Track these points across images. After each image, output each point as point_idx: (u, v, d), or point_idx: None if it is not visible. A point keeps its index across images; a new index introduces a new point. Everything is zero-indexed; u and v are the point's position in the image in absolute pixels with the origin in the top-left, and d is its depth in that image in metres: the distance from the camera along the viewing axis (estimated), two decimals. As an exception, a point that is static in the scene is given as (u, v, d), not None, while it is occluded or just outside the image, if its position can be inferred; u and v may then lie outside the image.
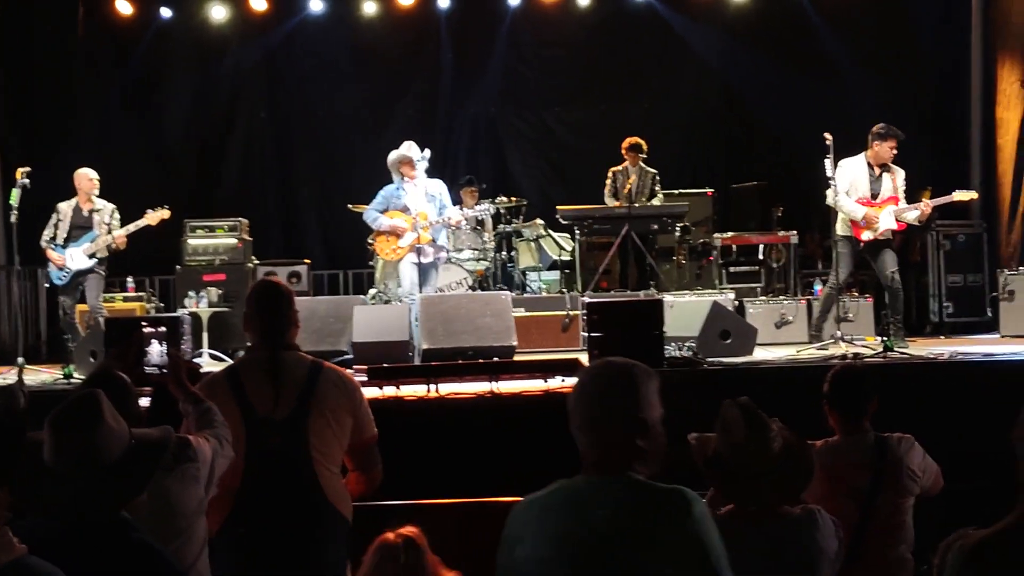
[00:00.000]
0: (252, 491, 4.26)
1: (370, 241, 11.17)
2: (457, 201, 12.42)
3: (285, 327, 4.47)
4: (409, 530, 3.58)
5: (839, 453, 4.68)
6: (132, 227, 10.86)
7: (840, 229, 10.12)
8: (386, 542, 3.54)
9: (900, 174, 10.11)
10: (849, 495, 4.62)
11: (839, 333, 9.73)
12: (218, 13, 15.12)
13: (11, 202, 10.29)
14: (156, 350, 4.53)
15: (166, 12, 15.04)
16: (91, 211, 10.83)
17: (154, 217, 10.96)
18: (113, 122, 15.29)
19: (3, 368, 10.31)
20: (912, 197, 10.44)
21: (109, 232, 10.76)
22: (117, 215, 10.92)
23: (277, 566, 4.21)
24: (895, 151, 10.00)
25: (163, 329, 4.51)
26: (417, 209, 10.11)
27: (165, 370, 4.45)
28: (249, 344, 4.57)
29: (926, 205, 10.06)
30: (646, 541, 2.84)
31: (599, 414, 2.99)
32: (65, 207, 10.86)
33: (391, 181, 10.39)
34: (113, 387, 3.59)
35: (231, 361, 10.82)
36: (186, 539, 3.83)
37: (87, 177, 10.86)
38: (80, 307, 11.04)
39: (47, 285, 11.18)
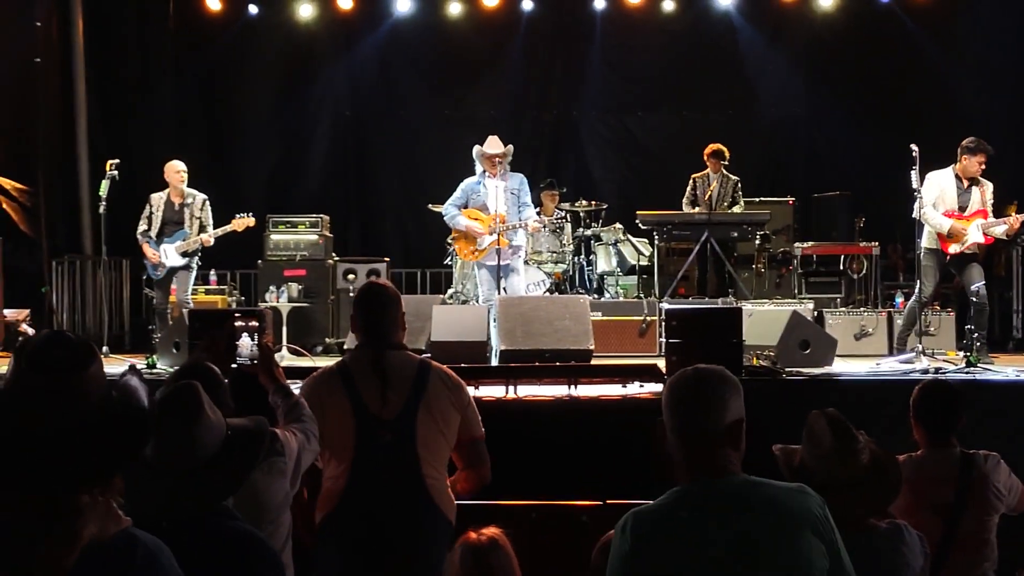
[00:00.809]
0: (359, 487, 4.30)
1: (449, 241, 11.22)
2: (537, 203, 12.44)
3: (393, 327, 4.53)
4: (493, 531, 3.58)
5: (924, 467, 4.63)
6: (219, 231, 10.97)
7: (926, 241, 10.00)
8: (472, 542, 3.54)
9: (989, 187, 9.97)
10: (933, 510, 4.57)
11: (920, 347, 9.62)
12: (305, 11, 15.26)
13: (100, 193, 10.49)
14: (247, 343, 4.55)
15: (254, 8, 15.23)
16: (182, 204, 10.93)
17: (240, 223, 11.04)
18: (198, 116, 15.52)
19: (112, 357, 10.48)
20: (999, 211, 10.30)
21: (201, 229, 10.87)
22: (208, 206, 11.03)
23: (381, 563, 4.25)
24: (984, 166, 9.87)
25: (255, 323, 4.53)
26: (496, 209, 10.13)
27: (255, 361, 4.50)
28: (356, 344, 4.61)
29: (1015, 220, 9.90)
30: (794, 534, 2.87)
31: (711, 418, 2.98)
32: (157, 199, 10.99)
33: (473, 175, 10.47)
34: (204, 379, 3.60)
35: (309, 356, 11.01)
36: (271, 532, 3.84)
37: (175, 169, 10.96)
38: (169, 299, 11.21)
39: (144, 277, 11.31)
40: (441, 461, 4.42)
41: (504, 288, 10.13)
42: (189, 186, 11.05)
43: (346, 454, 4.31)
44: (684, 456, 3.00)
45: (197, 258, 11.01)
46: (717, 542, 2.84)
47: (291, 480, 4.01)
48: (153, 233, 10.87)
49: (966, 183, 9.92)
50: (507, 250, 10.13)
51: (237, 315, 4.59)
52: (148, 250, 10.87)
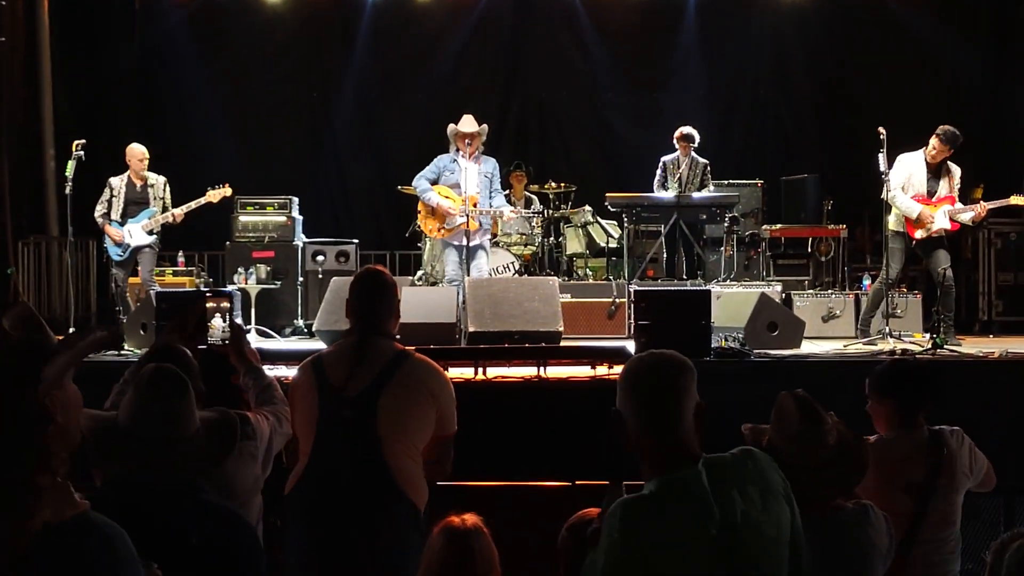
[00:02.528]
0: (320, 463, 4.29)
1: (417, 224, 11.18)
2: (506, 185, 12.46)
3: (382, 314, 4.51)
4: (473, 517, 3.58)
5: (894, 447, 4.61)
6: (193, 204, 10.95)
7: (893, 224, 10.08)
8: (455, 526, 3.53)
9: (957, 172, 10.05)
10: (904, 490, 4.58)
11: (887, 329, 9.69)
12: (273, -10, 15.18)
13: (66, 174, 10.41)
14: (219, 324, 4.51)
15: (223, -11, 15.13)
16: (144, 185, 10.92)
17: (215, 195, 11.06)
18: (165, 98, 15.43)
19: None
20: (965, 193, 10.37)
21: (164, 208, 10.86)
22: (168, 188, 11.02)
23: (340, 539, 4.23)
24: (951, 152, 9.94)
25: (226, 304, 4.49)
26: (468, 191, 10.13)
27: (226, 342, 4.47)
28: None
29: (981, 207, 10.01)
30: (775, 505, 2.92)
31: (681, 404, 2.95)
32: (117, 182, 10.95)
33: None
34: (175, 362, 3.56)
35: (278, 337, 10.96)
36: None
37: (138, 155, 10.93)
38: (132, 280, 11.16)
39: (106, 260, 11.27)
40: (409, 444, 4.35)
41: (470, 269, 10.14)
42: (159, 167, 11.03)
43: (310, 429, 4.30)
44: (654, 445, 2.96)
45: (157, 238, 10.97)
46: (710, 527, 2.82)
47: (262, 464, 3.99)
48: (115, 215, 10.83)
49: (935, 169, 9.99)
50: (475, 231, 10.13)
51: (208, 295, 4.55)
52: (111, 230, 10.83)
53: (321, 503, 4.26)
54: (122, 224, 10.82)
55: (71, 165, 10.39)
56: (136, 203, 10.88)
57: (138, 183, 10.93)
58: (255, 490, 3.96)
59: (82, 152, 10.45)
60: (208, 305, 4.53)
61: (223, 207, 12.10)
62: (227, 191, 11.15)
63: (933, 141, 9.92)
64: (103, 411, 3.58)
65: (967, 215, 9.99)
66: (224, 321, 4.52)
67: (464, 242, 10.16)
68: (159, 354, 3.77)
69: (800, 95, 15.56)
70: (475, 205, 10.09)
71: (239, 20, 15.41)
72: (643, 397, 2.99)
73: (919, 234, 9.93)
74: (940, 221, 9.88)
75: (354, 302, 4.53)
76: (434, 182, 10.38)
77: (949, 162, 10.01)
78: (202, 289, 11.80)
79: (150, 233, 10.82)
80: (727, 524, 2.82)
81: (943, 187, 9.98)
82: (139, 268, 11.00)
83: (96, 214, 10.88)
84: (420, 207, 10.57)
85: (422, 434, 4.41)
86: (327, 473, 4.26)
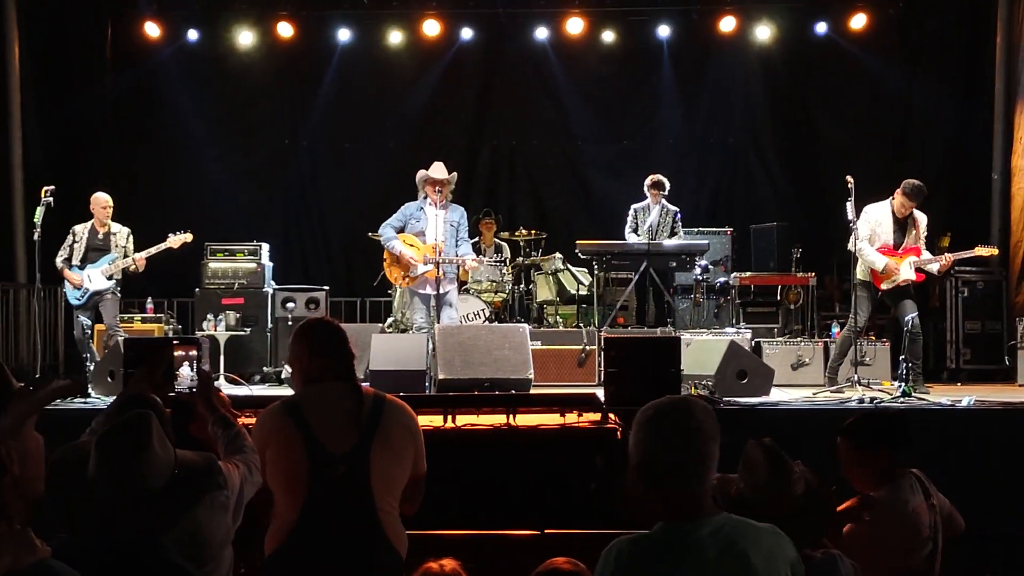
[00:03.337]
0: (312, 521, 4.24)
1: (382, 273, 11.18)
2: (475, 233, 12.49)
3: (346, 360, 4.51)
4: (451, 562, 3.55)
5: (904, 497, 4.59)
6: (154, 250, 10.97)
7: (860, 274, 10.16)
8: (434, 572, 3.51)
9: (923, 221, 10.16)
10: (928, 537, 4.57)
11: (856, 376, 9.73)
12: (245, 39, 15.19)
13: (34, 220, 10.37)
14: (187, 373, 4.49)
15: (193, 35, 15.14)
16: (106, 234, 10.96)
17: (176, 241, 11.07)
18: (136, 142, 15.40)
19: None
20: (932, 242, 10.46)
21: (126, 254, 10.87)
22: (131, 239, 11.05)
23: None
24: (916, 206, 10.05)
25: (194, 353, 4.47)
26: (434, 239, 10.15)
27: (194, 390, 4.43)
28: (299, 380, 4.58)
29: (946, 258, 10.14)
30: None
31: (691, 453, 2.95)
32: (81, 229, 11.00)
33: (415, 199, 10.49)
34: (145, 411, 3.56)
35: (247, 385, 10.90)
36: (212, 568, 3.77)
37: (102, 203, 11.01)
38: (97, 327, 11.12)
39: (66, 303, 11.25)
40: (395, 494, 4.37)
41: (439, 317, 10.14)
42: (128, 213, 11.05)
43: (299, 488, 4.26)
44: (660, 494, 2.96)
45: (117, 283, 10.95)
46: None
47: (233, 514, 3.94)
48: (76, 261, 10.86)
49: (901, 220, 10.08)
50: (442, 280, 10.13)
51: (176, 342, 4.52)
52: (70, 274, 10.90)
53: (314, 561, 4.23)
54: (81, 269, 10.82)
55: (40, 211, 10.36)
56: (97, 250, 10.96)
57: (100, 231, 10.99)
58: (226, 541, 3.90)
59: (51, 199, 10.43)
60: (176, 353, 4.50)
61: (193, 253, 12.07)
62: (188, 237, 11.17)
63: (899, 196, 10.02)
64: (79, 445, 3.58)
65: (934, 266, 10.12)
66: (191, 369, 4.49)
67: (431, 291, 10.18)
68: (129, 403, 3.74)
69: (769, 143, 15.66)
70: (439, 252, 10.09)
71: (210, 67, 15.43)
72: (649, 442, 2.98)
73: (885, 285, 10.04)
74: (905, 272, 9.98)
75: (315, 351, 4.51)
76: (400, 230, 10.40)
77: (915, 211, 10.11)
78: (169, 336, 11.75)
79: (109, 278, 10.83)
80: None
81: (909, 238, 10.08)
82: (102, 315, 10.96)
83: (57, 259, 10.92)
84: (386, 255, 10.56)
85: (404, 480, 4.43)
86: (320, 531, 4.24)
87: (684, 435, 2.96)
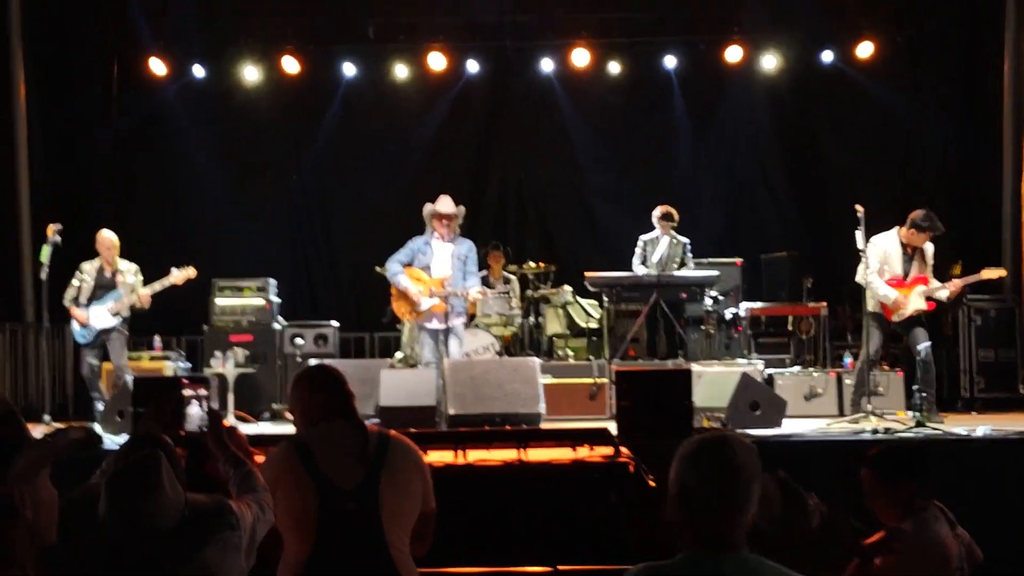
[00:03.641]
0: (323, 558, 4.21)
1: (389, 309, 11.15)
2: (484, 266, 12.45)
3: (347, 400, 4.50)
4: None
5: (932, 528, 4.53)
6: (157, 285, 10.94)
7: (870, 305, 10.12)
8: None
9: (929, 250, 10.12)
10: (956, 568, 4.51)
11: (870, 407, 9.66)
12: (251, 74, 15.23)
13: (41, 259, 10.36)
14: (196, 412, 4.44)
15: (199, 71, 15.18)
16: (114, 272, 10.93)
17: (179, 276, 11.03)
18: (143, 178, 15.44)
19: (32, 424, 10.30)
20: (942, 270, 10.41)
21: (133, 291, 10.83)
22: (140, 275, 11.03)
23: None
24: (930, 236, 10.00)
25: (203, 391, 4.43)
26: (440, 273, 10.13)
27: (204, 429, 4.40)
28: (300, 423, 4.58)
29: (954, 285, 10.07)
30: None
31: (741, 491, 2.91)
32: (89, 267, 10.98)
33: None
34: (156, 452, 3.54)
35: (256, 422, 10.85)
36: None
37: (107, 243, 10.97)
38: (105, 365, 11.09)
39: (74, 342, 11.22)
40: (406, 529, 4.35)
41: (448, 352, 10.09)
42: (133, 250, 11.01)
43: (308, 525, 4.23)
44: (692, 525, 2.92)
45: (127, 324, 10.96)
46: None
47: (246, 554, 3.90)
48: (83, 299, 10.84)
49: (910, 251, 10.04)
50: (450, 314, 10.09)
51: (185, 381, 4.48)
52: (76, 312, 10.87)
53: None
54: (88, 307, 10.80)
55: (47, 250, 10.35)
56: (104, 287, 10.92)
57: (108, 269, 10.94)
58: (240, 582, 3.85)
59: (58, 237, 10.42)
60: (185, 392, 4.47)
61: (201, 289, 12.05)
62: (191, 272, 11.12)
63: (908, 229, 9.98)
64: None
65: (943, 293, 10.06)
66: (201, 408, 4.45)
67: (439, 325, 10.14)
68: (139, 443, 3.71)
69: (777, 172, 15.65)
70: (443, 286, 10.06)
71: (216, 102, 15.46)
72: (688, 471, 2.95)
73: (895, 317, 10.00)
74: (915, 303, 9.95)
75: (316, 388, 4.53)
76: (408, 264, 10.36)
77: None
78: (178, 375, 11.70)
79: (115, 315, 10.79)
80: None
81: (917, 267, 10.04)
82: (109, 353, 10.94)
83: (65, 299, 10.87)
84: (393, 290, 10.53)
85: (414, 515, 4.41)
86: (331, 567, 4.20)
87: (722, 471, 2.92)
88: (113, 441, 8.92)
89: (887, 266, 10.01)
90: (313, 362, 5.02)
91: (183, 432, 4.38)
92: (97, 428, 9.40)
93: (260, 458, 4.61)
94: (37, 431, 3.33)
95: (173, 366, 12.08)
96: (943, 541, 4.53)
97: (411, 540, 4.47)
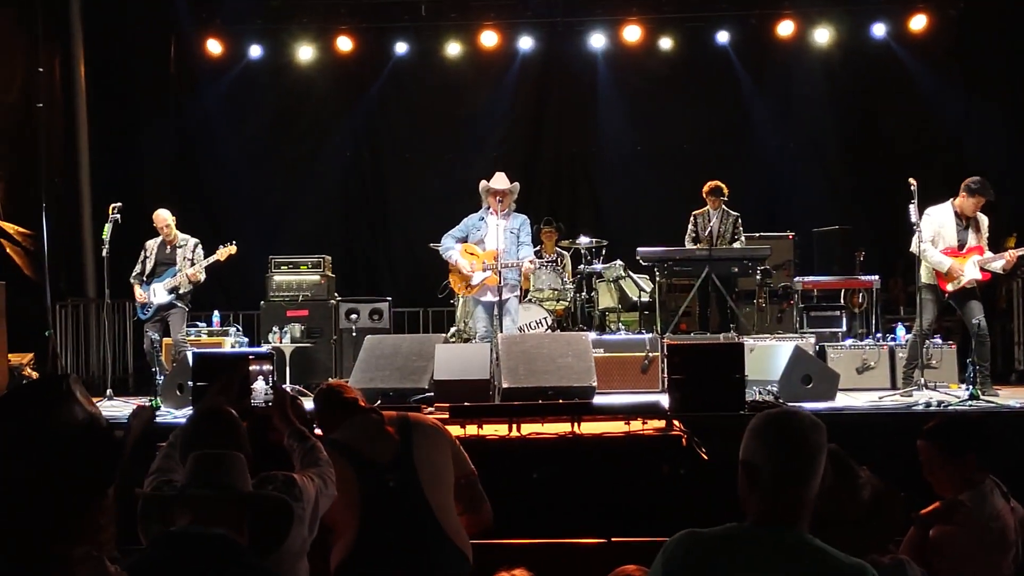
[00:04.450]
0: (372, 531, 4.35)
1: (446, 283, 11.27)
2: (537, 241, 12.52)
3: (356, 401, 4.82)
4: (522, 571, 3.58)
5: (991, 500, 4.51)
6: (205, 262, 11.12)
7: (924, 277, 10.04)
8: None
9: (984, 221, 10.03)
10: (1014, 540, 4.52)
11: (923, 380, 9.65)
12: (305, 53, 15.37)
13: (103, 236, 10.57)
14: (261, 387, 4.57)
15: (255, 50, 15.33)
16: (174, 247, 11.12)
17: (223, 253, 11.21)
18: (200, 158, 15.62)
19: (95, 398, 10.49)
20: (997, 242, 10.33)
21: (191, 265, 11.02)
22: (200, 249, 11.18)
23: None
24: (980, 206, 9.93)
25: (268, 367, 4.56)
26: (493, 247, 10.22)
27: (269, 404, 4.53)
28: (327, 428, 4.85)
29: (1011, 255, 9.95)
30: None
31: (802, 468, 2.97)
32: (152, 244, 11.21)
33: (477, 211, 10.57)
34: (224, 424, 3.71)
35: (312, 396, 10.97)
36: None
37: (162, 220, 11.17)
38: (165, 340, 11.28)
39: (134, 319, 11.45)
40: (448, 499, 4.52)
41: (502, 326, 10.18)
42: (192, 227, 11.19)
43: (352, 502, 4.38)
44: (754, 495, 2.97)
45: (187, 299, 11.16)
46: None
47: (308, 526, 3.99)
48: (146, 276, 11.04)
49: (964, 220, 9.97)
50: (504, 287, 10.16)
51: (251, 357, 4.60)
52: (137, 290, 11.17)
53: (381, 567, 4.34)
54: (149, 284, 11.03)
55: (107, 228, 10.57)
56: (165, 263, 11.15)
57: (169, 245, 11.13)
58: (302, 553, 3.95)
59: (118, 215, 10.64)
60: (251, 367, 4.59)
61: (259, 267, 12.22)
62: (233, 249, 11.25)
63: (962, 195, 9.90)
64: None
65: (998, 263, 9.95)
66: (267, 383, 4.58)
67: (492, 298, 10.23)
68: (207, 416, 3.83)
69: (830, 147, 15.59)
70: (495, 259, 10.16)
71: (273, 82, 15.62)
72: (758, 442, 3.00)
73: (950, 287, 9.91)
74: (970, 272, 9.84)
75: (336, 405, 4.81)
76: (463, 240, 10.46)
77: (977, 212, 10.01)
78: (242, 350, 11.86)
79: (171, 291, 10.98)
80: None
81: (972, 237, 9.96)
82: (170, 328, 11.14)
83: (132, 276, 11.12)
84: (450, 265, 10.65)
85: (451, 479, 4.60)
86: (382, 541, 4.35)
87: (787, 446, 2.97)
88: (172, 414, 9.13)
89: (942, 237, 9.94)
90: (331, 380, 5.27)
91: (249, 406, 4.52)
92: (157, 402, 9.64)
93: (319, 431, 4.76)
94: (101, 405, 3.45)
95: (231, 341, 12.26)
96: (1000, 514, 4.53)
97: (465, 510, 4.60)
